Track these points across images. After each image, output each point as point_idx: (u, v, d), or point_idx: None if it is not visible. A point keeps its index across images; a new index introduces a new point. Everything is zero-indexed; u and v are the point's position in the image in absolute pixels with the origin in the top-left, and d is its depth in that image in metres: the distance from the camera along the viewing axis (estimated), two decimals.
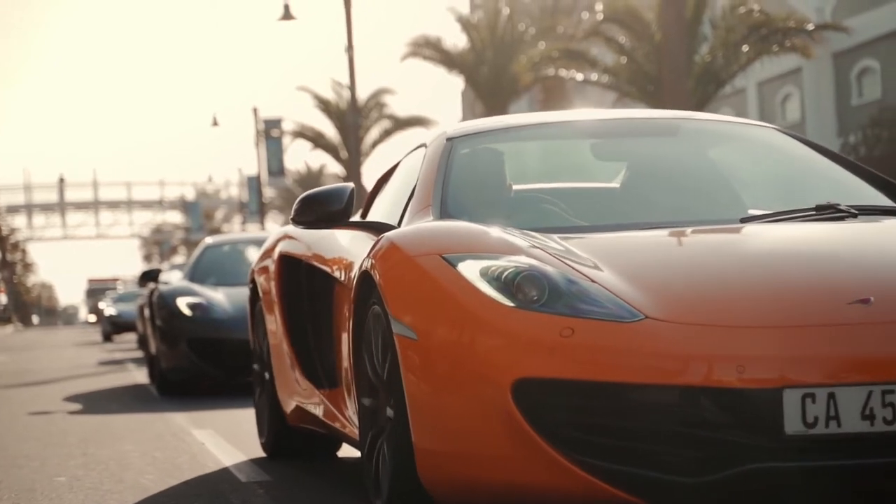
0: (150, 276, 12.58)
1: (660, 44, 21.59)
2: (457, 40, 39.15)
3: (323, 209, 4.46)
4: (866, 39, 27.94)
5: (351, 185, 4.51)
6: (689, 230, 3.93)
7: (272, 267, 5.59)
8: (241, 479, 5.21)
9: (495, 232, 3.66)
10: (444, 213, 4.16)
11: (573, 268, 3.43)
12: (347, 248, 4.69)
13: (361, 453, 3.98)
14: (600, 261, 3.51)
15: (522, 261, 3.41)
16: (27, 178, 76.76)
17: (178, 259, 58.24)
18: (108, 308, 32.29)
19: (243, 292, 10.47)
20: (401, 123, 40.70)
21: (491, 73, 32.18)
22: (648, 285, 3.37)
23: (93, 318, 61.10)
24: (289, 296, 5.40)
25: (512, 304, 3.28)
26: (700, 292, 3.35)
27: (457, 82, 77.01)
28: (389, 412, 3.62)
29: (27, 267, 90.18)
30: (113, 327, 31.18)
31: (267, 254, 5.80)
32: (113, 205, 74.06)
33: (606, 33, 23.72)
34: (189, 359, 10.41)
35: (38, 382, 13.66)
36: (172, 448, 6.47)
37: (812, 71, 29.62)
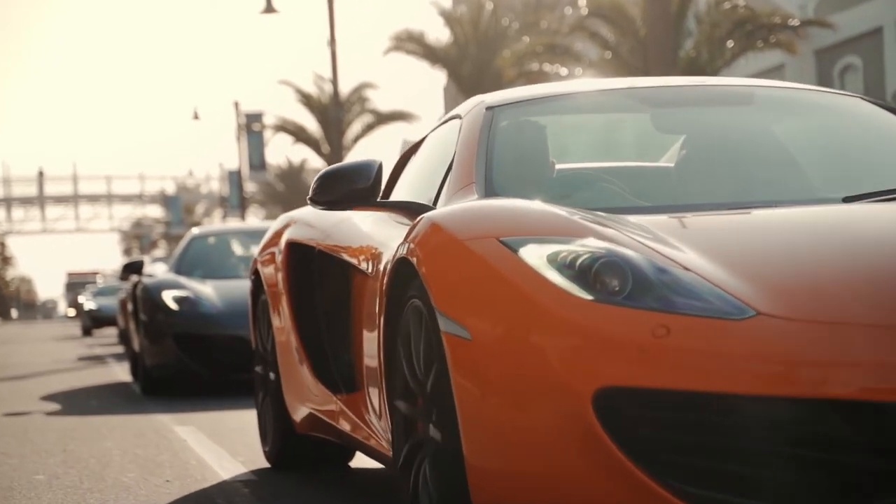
0: (132, 269, 11.69)
1: (645, 39, 21.52)
2: (440, 35, 39.07)
3: (346, 187, 3.90)
4: (849, 36, 27.93)
5: (378, 160, 3.95)
6: (784, 211, 3.35)
7: (279, 256, 4.96)
8: (224, 477, 5.09)
9: (559, 210, 3.08)
10: (489, 192, 3.60)
11: (659, 253, 2.85)
12: (372, 232, 4.17)
13: (394, 468, 3.46)
14: (687, 246, 2.93)
15: (597, 244, 2.83)
16: (6, 171, 76.43)
17: (158, 253, 58.09)
18: (88, 302, 31.99)
19: (233, 286, 10.13)
20: (383, 118, 40.64)
21: (474, 68, 32.08)
22: (754, 275, 2.77)
23: (72, 312, 60.77)
24: (299, 288, 4.79)
25: (590, 297, 2.71)
26: (819, 283, 2.76)
27: (439, 77, 76.95)
28: (433, 427, 3.09)
29: (6, 261, 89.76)
30: (93, 322, 30.87)
31: (272, 241, 5.17)
32: (93, 198, 73.72)
33: (591, 28, 23.66)
34: (175, 355, 9.80)
35: (16, 377, 13.49)
36: (154, 445, 6.33)
37: (795, 68, 29.60)
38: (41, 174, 71.21)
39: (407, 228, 3.41)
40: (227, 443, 6.30)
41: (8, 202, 71.97)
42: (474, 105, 4.12)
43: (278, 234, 5.10)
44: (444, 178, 3.92)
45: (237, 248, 11.64)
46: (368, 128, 40.89)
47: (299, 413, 4.82)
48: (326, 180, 3.97)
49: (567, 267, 2.79)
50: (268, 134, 44.02)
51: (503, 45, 30.34)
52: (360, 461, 5.26)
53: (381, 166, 3.93)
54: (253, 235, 11.70)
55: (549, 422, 2.69)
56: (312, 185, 4.00)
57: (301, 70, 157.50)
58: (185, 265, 11.13)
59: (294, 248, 4.86)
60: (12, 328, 51.30)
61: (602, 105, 4.35)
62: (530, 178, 3.80)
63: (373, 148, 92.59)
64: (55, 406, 9.24)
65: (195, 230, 12.25)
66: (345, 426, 4.32)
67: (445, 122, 4.40)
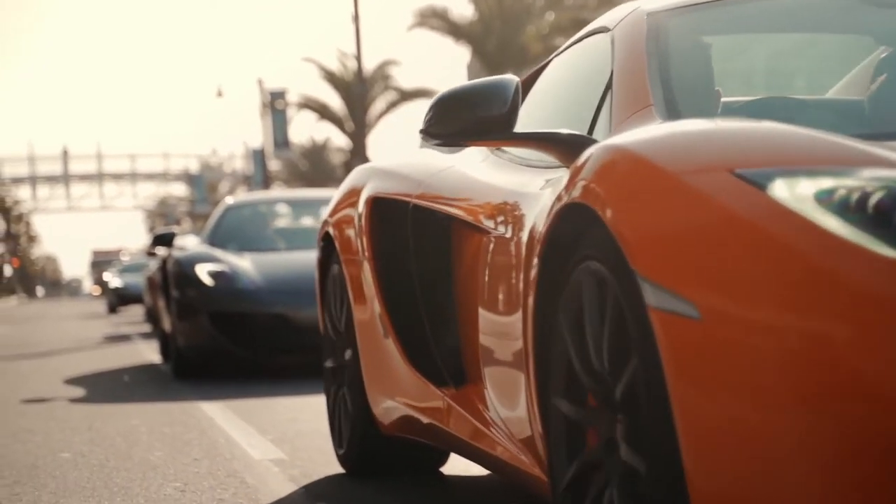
0: (163, 240, 10.49)
1: None
2: (464, 11, 38.84)
3: (475, 114, 2.91)
4: None
5: (515, 78, 2.98)
6: None
7: (359, 216, 3.99)
8: (254, 456, 4.96)
9: (811, 131, 2.13)
10: (673, 116, 2.72)
11: None
12: (495, 179, 3.27)
13: (553, 499, 2.56)
14: None
15: (893, 175, 1.92)
16: (31, 149, 76.84)
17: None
18: (114, 279, 31.93)
19: (273, 259, 9.54)
20: (406, 95, 40.55)
21: (498, 44, 31.89)
22: None
23: (97, 290, 60.89)
24: (387, 255, 3.83)
25: None
26: None
27: (463, 54, 76.68)
28: (625, 444, 2.24)
29: (31, 239, 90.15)
30: (119, 299, 30.76)
31: (348, 199, 4.18)
32: (117, 177, 73.98)
33: (619, 2, 23.42)
34: (210, 335, 8.90)
35: (41, 355, 13.44)
36: (181, 423, 6.22)
37: None
38: (65, 152, 71.44)
39: (548, 171, 2.66)
40: (255, 420, 6.18)
41: (33, 180, 72.22)
42: (628, 12, 3.17)
43: (356, 190, 4.13)
44: (600, 104, 3.01)
45: (276, 219, 10.84)
46: (392, 105, 40.81)
47: (387, 410, 3.90)
48: (446, 106, 2.98)
49: (852, 209, 1.86)
50: (291, 111, 43.96)
51: (528, 21, 30.11)
52: (455, 466, 4.36)
53: (518, 86, 2.93)
54: (292, 205, 11.10)
55: (844, 442, 1.80)
56: (427, 113, 3.05)
57: (325, 47, 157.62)
58: (220, 237, 10.18)
59: (379, 205, 3.91)
60: (37, 306, 51.47)
61: (800, 13, 3.27)
62: (705, 106, 2.87)
63: (396, 126, 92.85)
64: (81, 384, 9.15)
65: (229, 199, 11.31)
66: (456, 429, 3.38)
67: (584, 37, 3.46)
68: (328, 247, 4.37)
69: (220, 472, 4.59)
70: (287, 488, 4.22)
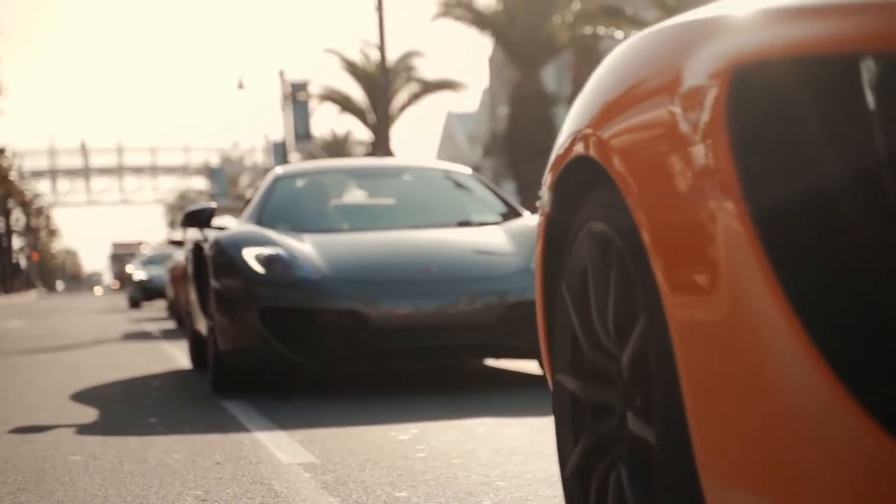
0: (197, 219, 7.94)
1: None
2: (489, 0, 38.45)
3: None
4: None
5: None
6: None
7: (698, 108, 1.69)
8: (282, 460, 4.52)
9: None
10: None
11: None
12: None
13: None
14: None
15: None
16: (51, 142, 76.90)
17: None
18: (138, 272, 31.01)
19: (338, 241, 7.33)
20: (430, 87, 40.19)
21: (524, 34, 31.43)
22: None
23: (116, 284, 60.64)
24: (784, 186, 1.53)
25: None
26: None
27: (485, 47, 76.26)
28: None
29: (52, 233, 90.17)
30: (143, 293, 29.90)
31: (652, 80, 1.94)
32: (137, 170, 74.04)
33: None
34: (261, 338, 6.77)
35: (56, 349, 13.07)
36: (201, 422, 5.79)
37: None
38: (84, 146, 71.45)
39: None
40: (282, 420, 5.73)
41: (53, 174, 72.27)
42: None
43: (675, 57, 1.85)
44: None
45: (337, 192, 8.70)
46: (415, 97, 40.47)
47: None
48: None
49: None
50: (313, 103, 43.66)
51: (553, 10, 29.64)
52: None
53: None
54: (355, 175, 8.93)
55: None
56: None
57: (347, 37, 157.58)
58: (269, 215, 7.97)
59: (758, 80, 1.59)
60: (56, 300, 51.28)
61: None
62: None
63: (419, 119, 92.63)
64: (96, 381, 8.74)
65: (279, 169, 8.88)
66: None
67: None
68: (576, 189, 2.30)
69: (244, 479, 4.15)
70: (320, 497, 3.78)
